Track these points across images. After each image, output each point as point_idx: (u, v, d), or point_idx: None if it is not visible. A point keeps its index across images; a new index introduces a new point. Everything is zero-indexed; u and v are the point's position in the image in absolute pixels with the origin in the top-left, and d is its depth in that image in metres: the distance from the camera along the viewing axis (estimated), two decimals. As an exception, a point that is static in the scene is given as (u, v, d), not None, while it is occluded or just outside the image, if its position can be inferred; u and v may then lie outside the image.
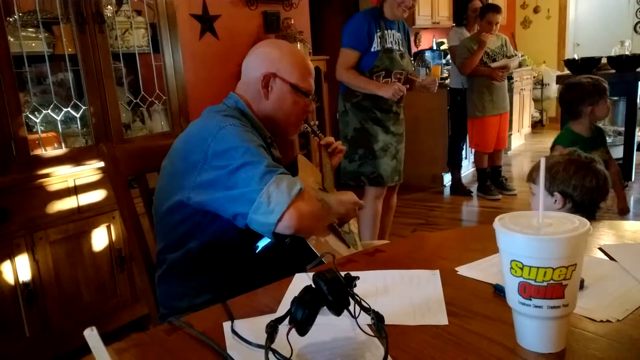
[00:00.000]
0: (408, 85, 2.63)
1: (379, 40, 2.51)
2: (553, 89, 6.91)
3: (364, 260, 1.06)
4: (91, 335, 0.38)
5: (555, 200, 1.39)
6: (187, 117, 2.64)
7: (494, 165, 4.28)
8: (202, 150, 1.15)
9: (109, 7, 2.32)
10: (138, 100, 2.47)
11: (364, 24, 2.50)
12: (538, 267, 0.63)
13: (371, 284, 0.92)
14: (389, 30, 2.56)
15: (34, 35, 2.09)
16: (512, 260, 0.65)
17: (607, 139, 4.36)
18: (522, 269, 0.64)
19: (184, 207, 1.17)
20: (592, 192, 1.37)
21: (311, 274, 0.97)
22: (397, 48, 2.59)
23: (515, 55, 4.20)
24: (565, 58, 7.14)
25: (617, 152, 4.20)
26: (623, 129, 4.04)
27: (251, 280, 1.06)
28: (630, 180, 4.03)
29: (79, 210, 2.16)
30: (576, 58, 4.01)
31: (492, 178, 4.29)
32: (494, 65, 3.90)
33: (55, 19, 2.15)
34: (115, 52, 2.34)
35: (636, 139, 4.05)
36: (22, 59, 2.01)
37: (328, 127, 3.91)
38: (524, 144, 6.26)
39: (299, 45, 3.50)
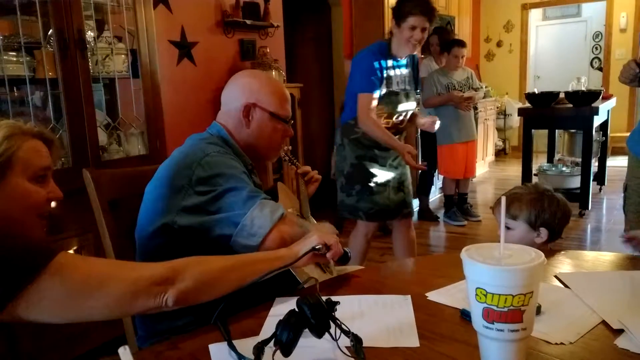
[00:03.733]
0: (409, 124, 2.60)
1: (385, 82, 2.42)
2: (515, 120, 7.22)
3: (340, 285, 1.12)
4: (124, 354, 0.44)
5: (539, 234, 1.43)
6: (163, 140, 2.68)
7: (460, 192, 4.44)
8: (187, 176, 1.21)
9: (89, 32, 2.37)
10: (116, 124, 2.50)
11: (373, 65, 2.39)
12: (500, 294, 0.71)
13: (348, 308, 0.99)
14: (396, 70, 2.46)
15: (14, 59, 2.11)
16: (477, 288, 0.73)
17: (565, 169, 4.61)
18: (485, 295, 0.72)
19: (168, 231, 1.22)
20: (564, 220, 1.46)
21: (292, 299, 1.03)
22: (403, 88, 2.49)
23: (480, 87, 4.41)
24: (526, 90, 7.51)
25: (575, 182, 4.42)
26: (580, 159, 4.27)
27: (232, 304, 1.11)
28: (587, 209, 4.23)
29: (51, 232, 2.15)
30: (536, 92, 4.24)
31: (457, 204, 4.44)
32: (460, 94, 4.09)
33: (37, 43, 2.18)
34: (95, 77, 2.37)
35: (592, 170, 4.27)
36: (4, 81, 2.02)
37: (301, 152, 3.99)
38: (488, 172, 6.49)
39: (274, 72, 3.60)
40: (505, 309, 0.71)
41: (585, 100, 4.03)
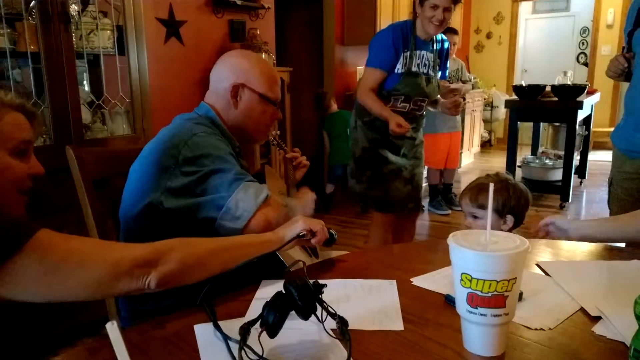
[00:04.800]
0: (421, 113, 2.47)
1: (405, 61, 2.31)
2: (502, 112, 7.28)
3: (327, 269, 1.13)
4: (112, 329, 0.43)
5: (505, 222, 1.50)
6: (149, 121, 2.65)
7: (445, 182, 4.48)
8: (173, 156, 1.20)
9: (73, 6, 2.31)
10: (100, 102, 2.46)
11: (391, 41, 2.29)
12: (484, 280, 0.72)
13: (334, 292, 0.99)
14: (419, 51, 2.34)
15: (-4, 30, 2.05)
16: (462, 273, 0.74)
17: (548, 162, 4.67)
18: (470, 280, 0.73)
19: (154, 211, 1.21)
20: (526, 207, 1.53)
21: (278, 282, 1.03)
22: (424, 71, 2.36)
23: (469, 80, 4.43)
24: (514, 83, 7.55)
25: (557, 175, 4.49)
26: (563, 152, 4.33)
27: (218, 286, 1.11)
28: (568, 201, 4.31)
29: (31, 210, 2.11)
30: (523, 85, 4.27)
31: (442, 194, 4.49)
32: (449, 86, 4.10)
33: (19, 15, 2.12)
34: (79, 52, 2.32)
35: (574, 163, 4.34)
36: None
37: (289, 137, 3.98)
38: (473, 162, 6.55)
39: (263, 55, 3.56)
40: (489, 294, 0.72)
41: (571, 95, 4.08)
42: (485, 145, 7.60)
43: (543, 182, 4.55)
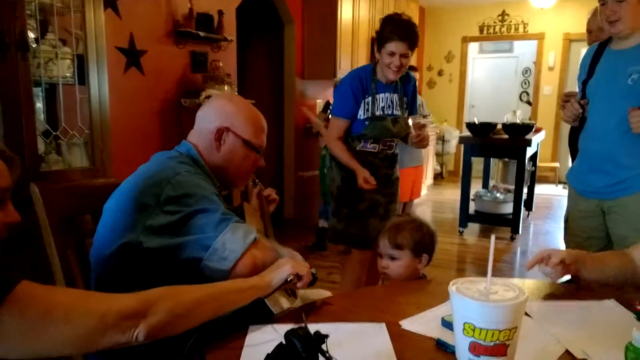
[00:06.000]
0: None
1: (366, 107, 2.35)
2: (452, 145, 7.55)
3: (313, 313, 1.11)
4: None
5: (420, 260, 1.53)
6: (109, 153, 2.56)
7: (405, 213, 4.56)
8: (155, 194, 1.16)
9: (30, 34, 2.23)
10: (58, 133, 2.36)
11: (350, 91, 2.34)
12: (487, 329, 0.73)
13: (324, 338, 0.98)
14: (382, 94, 2.38)
15: (-50, 57, 1.94)
16: (465, 322, 0.75)
17: (499, 195, 4.86)
18: (474, 330, 0.74)
19: (131, 251, 1.16)
20: (435, 244, 1.59)
21: (265, 327, 1.01)
22: (389, 112, 2.40)
23: (428, 115, 4.59)
24: (464, 118, 7.88)
25: (507, 208, 4.68)
26: (514, 187, 4.52)
27: (203, 333, 1.07)
28: (518, 233, 4.48)
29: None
30: (476, 122, 4.46)
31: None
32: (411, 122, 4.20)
33: (-25, 42, 2.02)
34: (36, 81, 2.23)
35: (523, 197, 4.54)
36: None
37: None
38: (426, 195, 6.71)
39: (226, 87, 3.55)
40: (492, 344, 0.73)
41: (520, 132, 4.29)
42: (437, 177, 7.83)
43: (494, 214, 4.72)
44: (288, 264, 1.09)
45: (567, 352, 0.93)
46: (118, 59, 3.10)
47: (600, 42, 2.02)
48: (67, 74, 2.39)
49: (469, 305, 0.73)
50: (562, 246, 3.87)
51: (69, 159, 2.45)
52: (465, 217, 4.61)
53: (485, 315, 0.73)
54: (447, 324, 1.01)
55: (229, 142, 1.33)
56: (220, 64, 3.64)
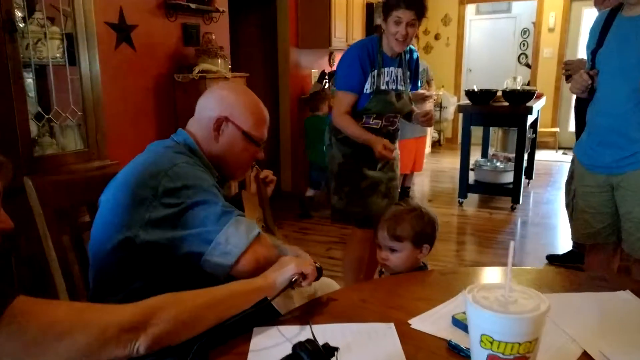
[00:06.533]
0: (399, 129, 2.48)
1: (373, 80, 2.28)
2: (450, 112, 7.46)
3: (319, 311, 1.08)
4: None
5: (422, 251, 1.49)
6: (103, 134, 2.50)
7: (404, 185, 4.53)
8: (152, 187, 1.12)
9: (17, 12, 2.13)
10: (50, 116, 2.29)
11: (357, 63, 2.25)
12: (507, 342, 0.70)
13: (333, 340, 0.95)
14: (387, 68, 2.31)
15: None
16: (482, 334, 0.72)
17: (499, 165, 4.82)
18: (492, 342, 0.71)
19: (130, 246, 1.13)
20: (436, 233, 1.54)
21: (270, 329, 0.98)
22: (394, 87, 2.34)
23: (432, 79, 4.51)
24: (461, 83, 7.76)
25: (507, 177, 4.65)
26: (514, 155, 4.48)
27: (206, 337, 1.04)
28: (519, 203, 4.47)
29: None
30: (475, 90, 4.37)
31: (400, 196, 4.54)
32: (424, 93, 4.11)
33: (-41, 24, 1.93)
34: (26, 62, 2.15)
35: (524, 165, 4.50)
36: None
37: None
38: (425, 163, 6.66)
39: (219, 61, 3.45)
40: (511, 357, 0.71)
41: (521, 100, 4.22)
42: (435, 145, 7.77)
43: (495, 184, 4.70)
44: (292, 263, 1.06)
45: (585, 353, 0.90)
46: (108, 35, 2.99)
47: (611, 9, 1.92)
48: (57, 55, 2.31)
49: (487, 317, 0.70)
50: (565, 219, 3.84)
51: (62, 142, 2.40)
52: (465, 188, 4.58)
53: (505, 328, 0.70)
54: (458, 323, 0.99)
55: (228, 132, 1.28)
56: (213, 37, 3.53)
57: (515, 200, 4.42)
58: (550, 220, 4.24)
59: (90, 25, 2.39)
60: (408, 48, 2.40)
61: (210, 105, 1.29)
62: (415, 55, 2.47)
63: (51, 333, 0.73)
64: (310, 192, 4.46)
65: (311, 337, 0.80)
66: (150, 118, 3.31)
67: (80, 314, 0.80)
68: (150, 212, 1.11)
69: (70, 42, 2.34)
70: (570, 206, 2.17)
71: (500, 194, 4.67)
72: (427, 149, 6.83)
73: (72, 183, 1.44)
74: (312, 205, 4.42)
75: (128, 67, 3.11)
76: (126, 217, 1.13)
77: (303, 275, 1.06)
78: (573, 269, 3.11)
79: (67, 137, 2.40)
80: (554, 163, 6.53)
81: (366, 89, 2.29)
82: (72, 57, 2.34)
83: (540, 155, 6.39)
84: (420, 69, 4.26)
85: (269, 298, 0.99)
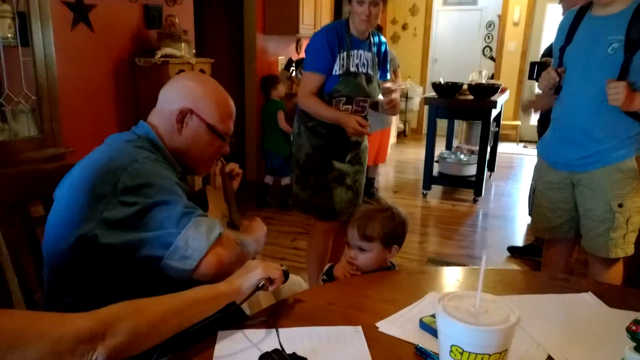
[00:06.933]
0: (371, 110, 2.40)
1: (342, 62, 2.24)
2: (415, 103, 7.52)
3: (286, 313, 1.06)
4: None
5: (391, 252, 1.46)
6: (58, 120, 2.38)
7: (368, 176, 4.53)
8: (111, 183, 1.06)
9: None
10: (2, 100, 2.16)
11: (326, 42, 2.21)
12: (476, 353, 0.69)
13: (300, 344, 0.93)
14: (355, 51, 2.27)
15: None
16: (452, 345, 0.71)
17: (463, 157, 4.89)
18: (462, 353, 0.70)
19: (87, 245, 1.06)
20: (406, 232, 1.51)
21: (236, 333, 0.95)
22: (364, 71, 2.31)
23: (398, 67, 4.51)
24: (428, 74, 7.81)
25: (471, 170, 4.72)
26: (477, 148, 4.55)
27: (166, 346, 1.00)
28: (481, 195, 4.55)
29: None
30: (442, 83, 4.41)
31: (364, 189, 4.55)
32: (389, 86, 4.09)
33: None
34: (-27, 43, 2.02)
35: (487, 158, 4.59)
36: None
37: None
38: (389, 154, 6.71)
39: (183, 45, 3.34)
40: (481, 368, 0.70)
41: (486, 94, 4.27)
42: (401, 135, 7.83)
43: (458, 177, 4.76)
44: (258, 267, 1.02)
45: (550, 358, 0.91)
46: (64, 14, 2.84)
47: (580, 7, 1.93)
48: (9, 35, 2.19)
49: (458, 328, 0.69)
50: (524, 211, 3.94)
51: (15, 127, 2.28)
52: (429, 180, 4.63)
53: (475, 340, 0.69)
54: (426, 327, 0.99)
55: (192, 125, 1.23)
56: (177, 20, 3.42)
57: (478, 193, 4.50)
58: (511, 213, 4.34)
59: (44, 3, 2.26)
60: (377, 39, 2.38)
61: (174, 96, 1.23)
62: (384, 47, 2.45)
63: (2, 345, 0.68)
64: (268, 179, 4.42)
65: (278, 347, 0.77)
66: (109, 103, 3.18)
67: (32, 323, 0.75)
68: (108, 210, 1.05)
69: (23, 21, 2.21)
70: (530, 200, 2.21)
71: (463, 186, 4.74)
72: (392, 139, 6.88)
73: (22, 176, 1.35)
74: (270, 193, 4.40)
75: (86, 49, 2.97)
76: (82, 214, 1.07)
77: (270, 280, 1.03)
78: (531, 262, 3.23)
79: (19, 123, 2.28)
80: (515, 156, 6.69)
81: (335, 70, 2.25)
82: (24, 37, 2.21)
83: (502, 147, 6.53)
84: (389, 58, 4.27)
85: (238, 303, 0.96)
